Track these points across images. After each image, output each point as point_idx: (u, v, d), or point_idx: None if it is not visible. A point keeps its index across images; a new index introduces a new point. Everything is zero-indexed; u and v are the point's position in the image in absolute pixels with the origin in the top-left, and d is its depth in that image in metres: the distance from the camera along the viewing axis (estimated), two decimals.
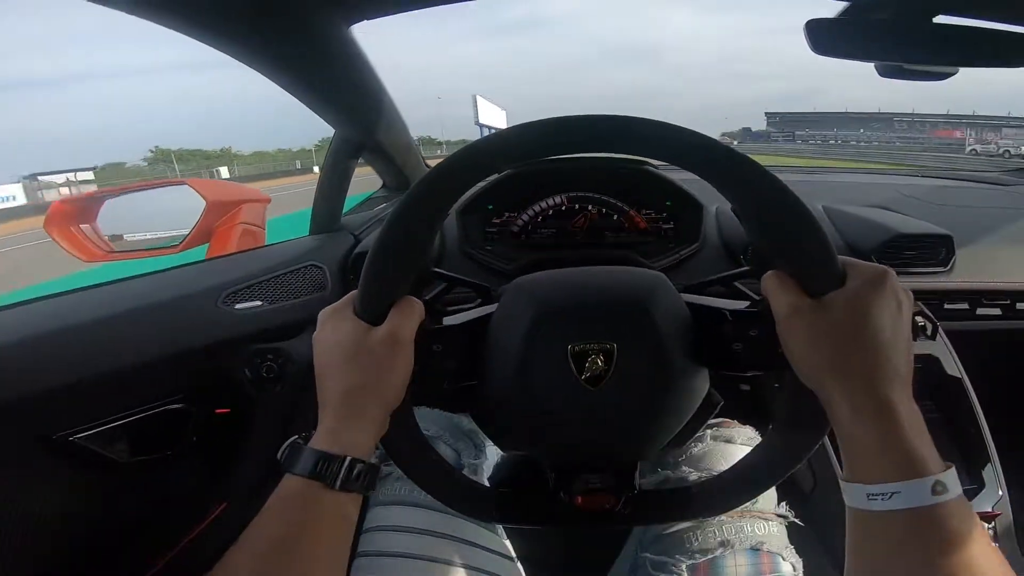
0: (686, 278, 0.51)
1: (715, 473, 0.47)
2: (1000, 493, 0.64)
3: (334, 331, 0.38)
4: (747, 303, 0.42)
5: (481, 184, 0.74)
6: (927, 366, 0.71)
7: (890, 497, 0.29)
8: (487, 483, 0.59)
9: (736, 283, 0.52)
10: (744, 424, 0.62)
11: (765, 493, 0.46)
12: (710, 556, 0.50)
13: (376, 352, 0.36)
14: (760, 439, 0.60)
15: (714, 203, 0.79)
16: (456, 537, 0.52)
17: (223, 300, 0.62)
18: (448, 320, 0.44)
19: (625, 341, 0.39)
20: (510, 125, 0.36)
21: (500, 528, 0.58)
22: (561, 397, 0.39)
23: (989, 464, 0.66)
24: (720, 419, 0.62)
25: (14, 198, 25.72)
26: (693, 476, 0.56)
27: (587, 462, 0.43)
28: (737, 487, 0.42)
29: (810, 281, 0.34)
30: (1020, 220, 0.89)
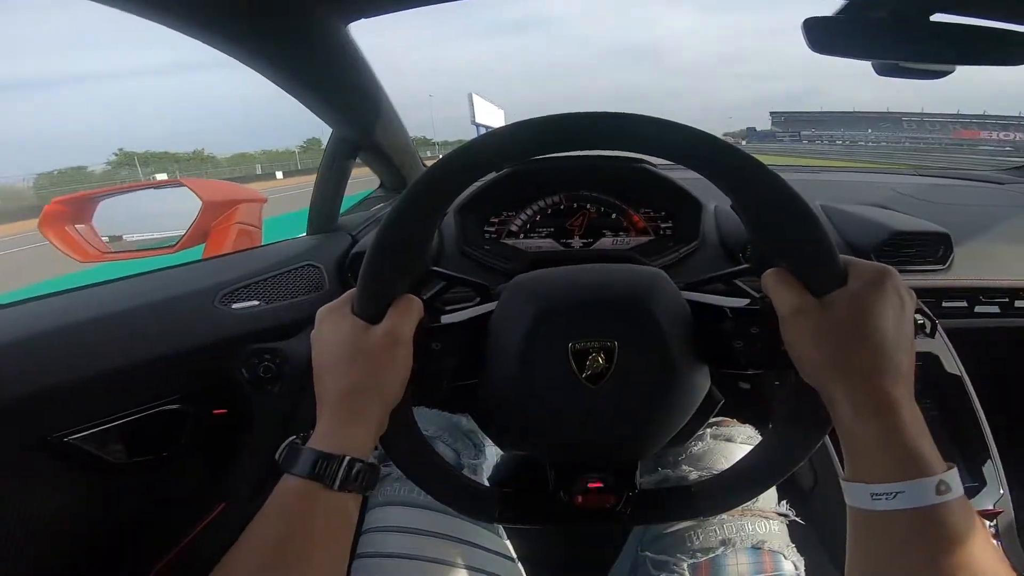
0: (685, 276, 0.51)
1: (715, 472, 0.47)
2: (1001, 491, 0.64)
3: (332, 330, 0.38)
4: (747, 301, 0.42)
5: (479, 183, 0.74)
6: (926, 364, 0.72)
7: (894, 497, 0.29)
8: (487, 483, 0.59)
9: (736, 281, 0.52)
10: (744, 423, 0.62)
11: (766, 492, 0.45)
12: (711, 555, 0.50)
13: (375, 351, 0.36)
14: (760, 438, 0.60)
15: (712, 201, 0.78)
16: (456, 537, 0.52)
17: (220, 300, 0.61)
18: (447, 318, 0.43)
19: (626, 339, 0.38)
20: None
21: (500, 528, 0.57)
22: (561, 395, 0.39)
23: (989, 462, 0.66)
24: (720, 418, 0.62)
25: None
26: (693, 475, 0.56)
27: (587, 461, 0.43)
28: (738, 486, 0.42)
29: (812, 280, 0.34)
30: (1017, 218, 0.90)
